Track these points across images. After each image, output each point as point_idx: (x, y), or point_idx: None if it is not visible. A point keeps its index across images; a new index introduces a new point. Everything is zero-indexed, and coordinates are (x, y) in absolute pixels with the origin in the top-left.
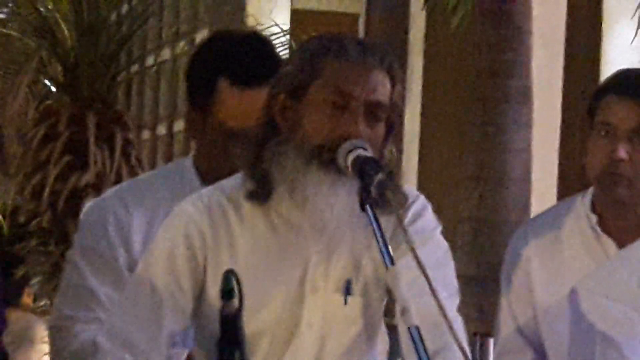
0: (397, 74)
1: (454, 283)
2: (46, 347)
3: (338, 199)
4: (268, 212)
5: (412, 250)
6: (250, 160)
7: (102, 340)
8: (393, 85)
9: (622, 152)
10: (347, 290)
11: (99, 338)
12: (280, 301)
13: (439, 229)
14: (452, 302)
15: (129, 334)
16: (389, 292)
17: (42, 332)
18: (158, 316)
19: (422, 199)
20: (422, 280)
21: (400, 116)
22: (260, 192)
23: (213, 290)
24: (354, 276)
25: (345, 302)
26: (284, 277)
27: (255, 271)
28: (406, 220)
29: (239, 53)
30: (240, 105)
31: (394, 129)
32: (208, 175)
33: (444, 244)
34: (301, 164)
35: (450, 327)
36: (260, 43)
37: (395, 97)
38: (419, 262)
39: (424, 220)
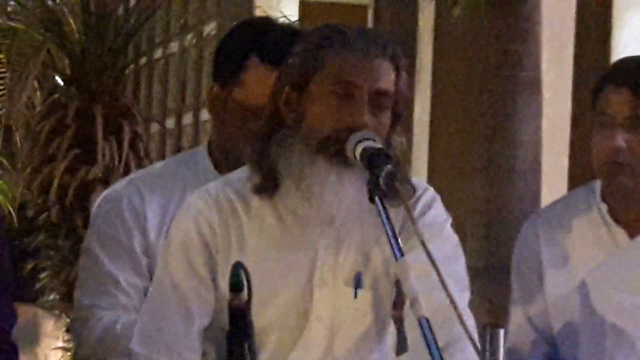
0: (401, 62)
1: (465, 277)
2: (52, 341)
3: (346, 191)
4: (276, 205)
5: (422, 243)
6: (256, 153)
7: (136, 347)
8: (397, 74)
9: (620, 140)
10: (358, 284)
11: (134, 347)
12: (288, 295)
13: (449, 221)
14: (462, 296)
15: (161, 335)
16: (397, 285)
17: (48, 325)
18: (187, 312)
19: (431, 191)
20: (432, 274)
21: (407, 104)
22: (267, 186)
23: (223, 283)
24: (363, 269)
25: (355, 296)
26: (292, 271)
27: (264, 265)
28: (416, 213)
29: (271, 34)
30: (266, 84)
31: (400, 118)
32: (223, 158)
33: (454, 238)
34: (308, 157)
35: (461, 320)
36: (290, 29)
37: (400, 85)
38: (429, 255)
39: (433, 212)
